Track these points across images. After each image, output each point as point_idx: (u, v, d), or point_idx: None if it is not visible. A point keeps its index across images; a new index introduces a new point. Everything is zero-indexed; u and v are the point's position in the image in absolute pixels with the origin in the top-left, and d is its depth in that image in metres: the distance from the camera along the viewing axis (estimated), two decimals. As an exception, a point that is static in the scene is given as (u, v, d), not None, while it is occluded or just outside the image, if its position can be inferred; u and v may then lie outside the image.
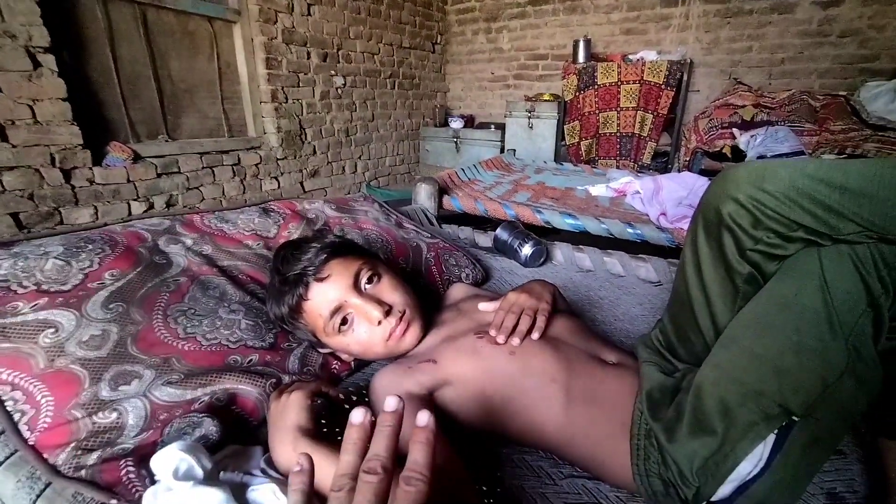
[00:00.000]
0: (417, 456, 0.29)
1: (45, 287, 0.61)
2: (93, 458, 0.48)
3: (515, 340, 0.63)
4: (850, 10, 2.68)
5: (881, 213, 0.41)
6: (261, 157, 2.74)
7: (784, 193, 0.44)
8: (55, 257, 0.64)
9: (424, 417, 0.30)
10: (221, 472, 0.50)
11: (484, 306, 0.72)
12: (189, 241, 0.80)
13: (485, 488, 0.54)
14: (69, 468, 0.47)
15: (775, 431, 0.45)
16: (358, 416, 0.32)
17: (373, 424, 0.31)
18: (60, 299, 0.60)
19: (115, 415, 0.53)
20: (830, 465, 0.60)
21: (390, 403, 0.31)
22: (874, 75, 2.66)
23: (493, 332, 0.64)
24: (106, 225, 0.78)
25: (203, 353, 0.62)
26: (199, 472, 0.47)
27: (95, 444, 0.50)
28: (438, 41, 4.08)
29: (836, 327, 0.44)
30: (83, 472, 0.47)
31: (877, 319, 0.43)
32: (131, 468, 0.49)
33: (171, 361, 0.60)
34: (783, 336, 0.46)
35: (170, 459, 0.47)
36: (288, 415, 0.52)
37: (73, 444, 0.49)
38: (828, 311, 0.44)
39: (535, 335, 0.64)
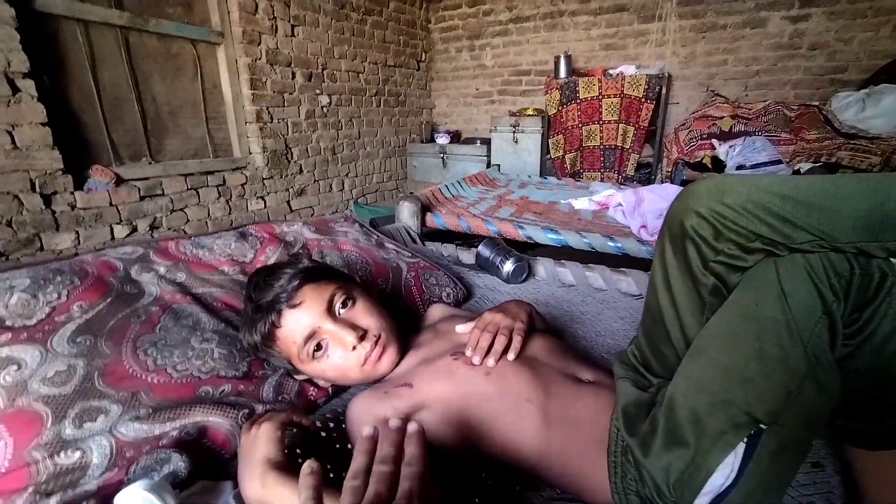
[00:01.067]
0: (412, 449, 0.38)
1: (8, 322, 0.60)
2: (52, 502, 0.46)
3: (490, 361, 0.62)
4: (818, 24, 2.78)
5: (828, 222, 0.43)
6: (246, 177, 2.73)
7: (742, 205, 0.46)
8: (21, 291, 0.63)
9: (414, 425, 0.41)
10: (188, 511, 0.49)
11: (461, 328, 0.72)
12: (162, 269, 0.79)
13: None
14: (26, 514, 0.45)
15: (744, 440, 0.46)
16: (367, 430, 0.41)
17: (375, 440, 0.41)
18: (25, 335, 0.59)
19: (78, 454, 0.51)
20: (808, 477, 0.60)
21: (394, 423, 0.41)
22: (844, 85, 2.75)
23: (468, 353, 0.64)
24: (77, 255, 0.77)
25: (173, 385, 0.61)
26: (164, 512, 0.46)
27: (56, 486, 0.48)
28: (423, 59, 4.14)
29: (795, 335, 0.45)
30: (41, 518, 0.45)
31: (832, 326, 0.45)
32: (93, 510, 0.47)
33: (140, 395, 0.59)
34: (747, 345, 0.47)
35: (133, 500, 0.46)
36: (257, 448, 0.51)
37: (31, 489, 0.47)
38: (786, 319, 0.45)
39: (511, 355, 0.64)
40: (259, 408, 0.64)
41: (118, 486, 0.50)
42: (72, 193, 1.97)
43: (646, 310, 0.61)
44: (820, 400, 0.46)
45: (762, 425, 0.45)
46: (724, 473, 0.47)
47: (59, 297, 0.65)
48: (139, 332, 0.65)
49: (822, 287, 0.45)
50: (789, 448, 0.47)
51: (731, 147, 2.53)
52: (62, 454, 0.50)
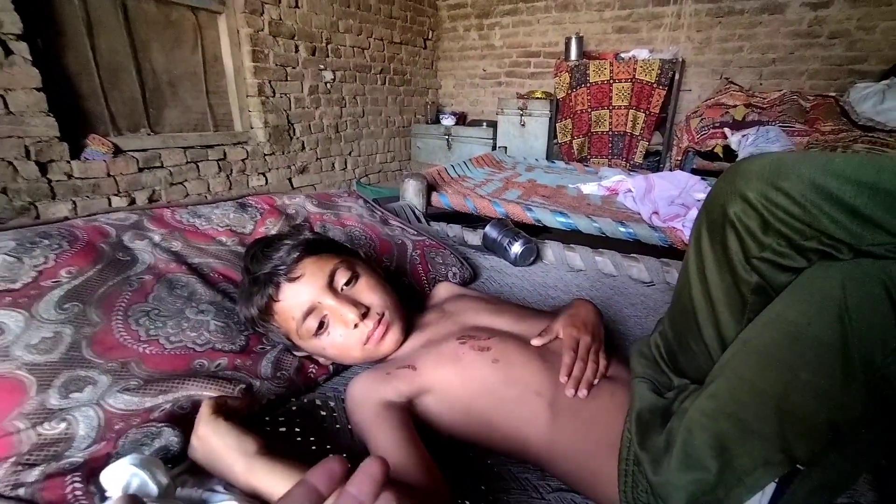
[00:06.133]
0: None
1: (-9, 286, 0.56)
2: (34, 473, 0.44)
3: (583, 392, 0.56)
4: (839, 11, 2.69)
5: None
6: (247, 152, 2.67)
7: (802, 193, 0.37)
8: (5, 253, 0.60)
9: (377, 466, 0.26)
10: (179, 488, 0.46)
11: (536, 342, 0.63)
12: (157, 237, 0.75)
13: (468, 502, 0.51)
14: (7, 486, 0.42)
15: (776, 481, 0.40)
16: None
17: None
18: (8, 299, 0.55)
19: (63, 425, 0.48)
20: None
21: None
22: (863, 76, 2.67)
23: (563, 379, 0.57)
24: (67, 219, 0.73)
25: (166, 356, 0.58)
26: (154, 489, 0.43)
27: (39, 458, 0.45)
28: (430, 37, 4.03)
29: (856, 367, 0.37)
30: (21, 491, 0.42)
31: None
32: (78, 484, 0.44)
33: (130, 366, 0.55)
34: (790, 372, 0.39)
35: (121, 474, 0.43)
36: (223, 450, 0.46)
37: (12, 459, 0.44)
38: (845, 348, 0.37)
39: (587, 389, 0.57)
40: (257, 383, 0.61)
41: (106, 459, 0.47)
42: (68, 162, 1.93)
43: (675, 299, 0.54)
44: (877, 440, 0.39)
45: (800, 466, 0.39)
46: None
47: (46, 262, 0.61)
48: (131, 301, 0.62)
49: None
50: (829, 484, 0.40)
51: (743, 136, 2.46)
52: (46, 424, 0.47)
